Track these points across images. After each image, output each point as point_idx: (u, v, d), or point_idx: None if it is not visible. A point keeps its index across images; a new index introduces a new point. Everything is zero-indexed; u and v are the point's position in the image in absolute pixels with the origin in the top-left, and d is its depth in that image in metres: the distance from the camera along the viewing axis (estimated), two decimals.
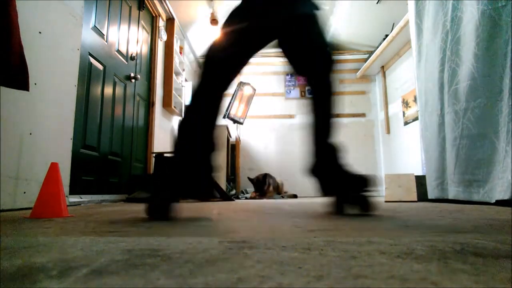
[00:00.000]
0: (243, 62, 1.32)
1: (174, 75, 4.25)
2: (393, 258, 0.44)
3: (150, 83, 3.79)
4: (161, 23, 4.03)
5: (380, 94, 5.23)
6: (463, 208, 1.64)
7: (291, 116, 5.80)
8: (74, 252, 0.49)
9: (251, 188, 4.75)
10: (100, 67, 2.64)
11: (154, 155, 3.32)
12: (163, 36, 3.99)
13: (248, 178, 4.40)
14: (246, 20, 1.26)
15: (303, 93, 5.86)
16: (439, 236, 0.66)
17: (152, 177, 1.22)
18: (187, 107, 1.29)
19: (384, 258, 0.44)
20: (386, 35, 4.15)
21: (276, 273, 0.36)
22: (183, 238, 0.63)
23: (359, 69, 5.31)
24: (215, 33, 4.82)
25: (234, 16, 1.29)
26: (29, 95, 1.57)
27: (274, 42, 1.39)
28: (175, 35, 4.28)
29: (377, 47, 4.45)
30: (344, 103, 5.46)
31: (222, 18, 4.44)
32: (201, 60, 1.26)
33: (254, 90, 5.19)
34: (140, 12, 3.50)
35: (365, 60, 5.02)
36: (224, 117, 4.73)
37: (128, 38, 3.18)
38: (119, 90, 2.99)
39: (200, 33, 4.87)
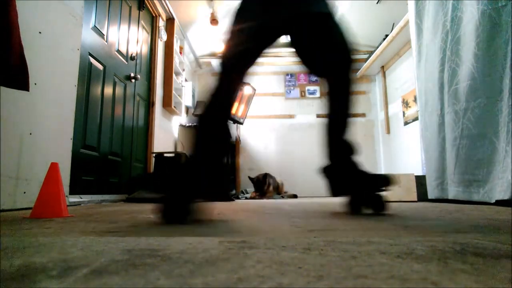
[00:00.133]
0: (250, 62, 1.31)
1: (174, 75, 4.25)
2: (393, 258, 0.44)
3: (150, 83, 3.79)
4: (161, 23, 4.03)
5: (380, 94, 5.23)
6: (463, 208, 1.64)
7: (291, 116, 5.79)
8: (74, 252, 0.49)
9: (251, 188, 4.75)
10: (100, 67, 2.64)
11: (154, 155, 3.32)
12: (163, 36, 3.99)
13: (249, 177, 4.40)
14: (245, 21, 1.26)
15: (303, 93, 5.86)
16: (439, 236, 0.66)
17: (169, 176, 1.13)
18: (206, 107, 1.26)
19: (384, 258, 0.44)
20: (386, 35, 4.15)
21: (276, 273, 0.36)
22: (183, 238, 0.63)
23: (359, 69, 5.31)
24: (215, 33, 4.83)
25: (236, 18, 1.29)
26: (29, 95, 1.57)
27: (278, 41, 1.38)
28: (175, 35, 4.28)
29: (377, 47, 4.45)
30: None
31: (222, 18, 4.44)
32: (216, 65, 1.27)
33: (254, 90, 5.19)
34: (140, 12, 3.50)
35: (365, 60, 5.02)
36: None
37: (128, 38, 3.18)
38: (119, 90, 2.99)
39: (200, 33, 4.87)
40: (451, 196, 2.12)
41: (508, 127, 1.62)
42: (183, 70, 4.86)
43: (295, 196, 4.49)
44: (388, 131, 4.94)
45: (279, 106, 5.84)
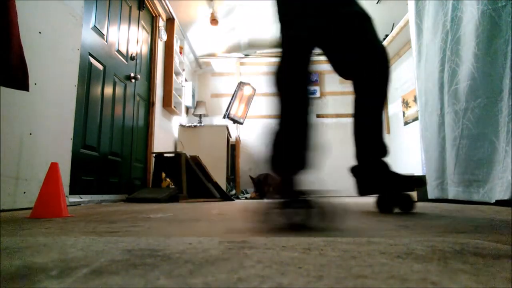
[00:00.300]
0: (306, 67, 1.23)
1: (174, 75, 4.25)
2: (393, 258, 0.44)
3: (150, 83, 3.79)
4: (161, 23, 4.03)
5: None
6: (463, 208, 1.64)
7: None
8: (74, 252, 0.49)
9: (251, 188, 4.75)
10: (100, 67, 2.64)
11: (154, 155, 3.32)
12: (163, 36, 3.99)
13: (250, 177, 4.40)
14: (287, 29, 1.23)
15: None
16: (439, 236, 0.66)
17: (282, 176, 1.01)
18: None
19: (384, 258, 0.44)
20: (386, 35, 4.15)
21: (276, 273, 0.36)
22: (183, 238, 0.63)
23: None
24: (215, 33, 4.83)
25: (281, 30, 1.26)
26: (29, 95, 1.57)
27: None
28: (175, 35, 4.28)
29: None
30: (344, 103, 5.46)
31: (222, 18, 4.44)
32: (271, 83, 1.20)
33: (254, 90, 5.19)
34: (140, 12, 3.50)
35: None
36: (224, 117, 4.74)
37: (128, 38, 3.18)
38: (119, 90, 2.99)
39: (200, 33, 4.87)
40: (451, 196, 2.12)
41: (508, 127, 1.62)
42: (183, 70, 4.86)
43: None
44: (388, 131, 4.94)
45: None
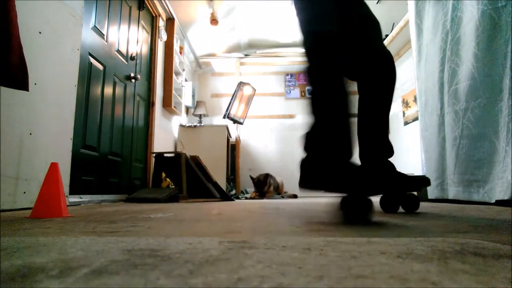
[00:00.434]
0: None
1: (174, 75, 4.25)
2: (393, 258, 0.44)
3: (150, 83, 3.79)
4: (161, 23, 4.03)
5: None
6: (463, 208, 1.64)
7: (291, 116, 5.80)
8: (74, 252, 0.49)
9: (251, 188, 4.76)
10: (100, 67, 2.64)
11: (154, 155, 3.32)
12: (163, 36, 3.99)
13: (250, 176, 4.40)
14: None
15: (303, 93, 5.87)
16: (439, 236, 0.66)
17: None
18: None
19: (384, 258, 0.44)
20: (386, 35, 4.15)
21: (276, 273, 0.36)
22: (183, 238, 0.63)
23: None
24: (215, 33, 4.83)
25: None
26: (29, 95, 1.57)
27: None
28: (175, 35, 4.28)
29: None
30: None
31: (222, 18, 4.44)
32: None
33: (254, 90, 5.19)
34: (140, 12, 3.50)
35: None
36: (224, 117, 4.74)
37: (128, 38, 3.18)
38: (119, 90, 2.99)
39: (200, 33, 4.87)
40: (451, 196, 2.12)
41: (508, 127, 1.62)
42: (183, 70, 4.86)
43: (295, 196, 4.49)
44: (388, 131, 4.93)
45: (279, 106, 5.85)
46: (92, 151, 2.52)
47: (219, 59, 5.67)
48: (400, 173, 1.34)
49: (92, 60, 2.50)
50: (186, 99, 4.99)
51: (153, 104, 3.77)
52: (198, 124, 4.91)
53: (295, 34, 5.15)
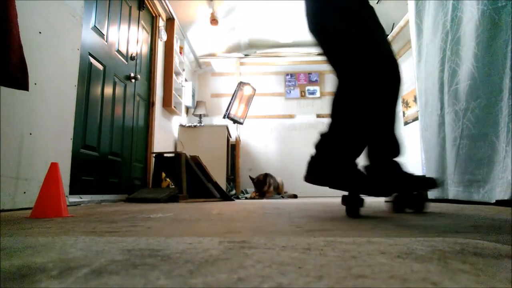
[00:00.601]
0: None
1: (174, 75, 4.25)
2: (393, 258, 0.44)
3: (150, 83, 3.79)
4: (161, 23, 4.03)
5: None
6: (463, 208, 1.64)
7: (291, 116, 5.80)
8: (74, 252, 0.49)
9: (251, 188, 4.76)
10: (100, 67, 2.64)
11: (154, 155, 3.32)
12: (163, 36, 3.99)
13: (250, 177, 4.40)
14: None
15: (303, 93, 5.86)
16: (439, 236, 0.66)
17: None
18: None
19: (384, 258, 0.44)
20: (386, 35, 4.15)
21: (276, 273, 0.36)
22: (183, 238, 0.63)
23: None
24: (215, 33, 4.83)
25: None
26: (29, 95, 1.57)
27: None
28: (175, 35, 4.28)
29: None
30: None
31: (222, 18, 4.44)
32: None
33: (254, 90, 5.19)
34: (140, 12, 3.50)
35: None
36: (224, 117, 4.74)
37: (128, 38, 3.18)
38: (119, 90, 2.99)
39: (200, 33, 4.87)
40: (451, 196, 2.12)
41: (508, 127, 1.62)
42: (183, 70, 4.86)
43: (295, 196, 4.49)
44: None
45: (279, 106, 5.84)
46: (92, 151, 2.52)
47: (219, 59, 5.67)
48: (406, 173, 1.36)
49: (92, 60, 2.50)
50: (186, 99, 4.99)
51: (153, 104, 3.77)
52: (198, 124, 4.91)
53: (295, 34, 5.15)
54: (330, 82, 5.81)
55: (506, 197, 1.62)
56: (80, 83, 2.22)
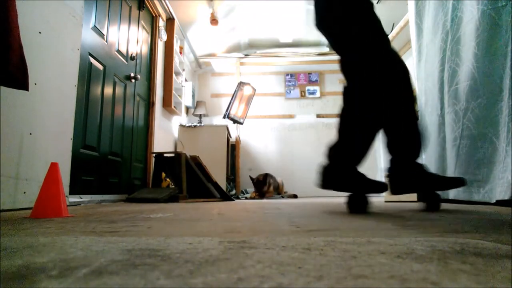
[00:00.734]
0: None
1: (174, 75, 4.25)
2: (393, 258, 0.44)
3: (150, 83, 3.79)
4: (161, 23, 4.03)
5: None
6: (463, 208, 1.64)
7: (291, 116, 5.80)
8: (74, 252, 0.49)
9: (251, 188, 4.76)
10: (100, 67, 2.64)
11: (154, 155, 3.32)
12: (163, 36, 3.99)
13: (250, 177, 4.40)
14: None
15: (303, 93, 5.86)
16: (439, 236, 0.66)
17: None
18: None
19: (384, 258, 0.44)
20: (386, 35, 4.14)
21: (276, 273, 0.36)
22: (183, 238, 0.63)
23: None
24: (215, 33, 4.83)
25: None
26: (29, 95, 1.57)
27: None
28: (175, 35, 4.28)
29: None
30: None
31: (222, 18, 4.44)
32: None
33: (254, 90, 5.19)
34: (140, 12, 3.50)
35: None
36: (224, 117, 4.74)
37: (128, 38, 3.18)
38: (119, 90, 2.99)
39: (200, 33, 4.87)
40: (451, 196, 2.12)
41: (508, 127, 1.62)
42: (183, 70, 4.86)
43: (295, 196, 4.49)
44: None
45: (279, 106, 5.84)
46: (92, 151, 2.52)
47: (219, 59, 5.67)
48: (430, 173, 1.48)
49: (92, 60, 2.50)
50: (186, 99, 4.99)
51: (153, 104, 3.77)
52: (198, 124, 4.92)
53: (295, 34, 5.15)
54: (330, 82, 5.81)
55: (506, 197, 1.62)
56: (80, 83, 2.22)
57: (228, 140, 5.02)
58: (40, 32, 1.73)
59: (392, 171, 1.50)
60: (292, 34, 5.15)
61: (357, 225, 0.89)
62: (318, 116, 5.73)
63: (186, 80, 5.07)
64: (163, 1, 3.87)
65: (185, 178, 2.94)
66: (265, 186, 4.21)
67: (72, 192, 2.06)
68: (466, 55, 1.96)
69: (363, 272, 0.36)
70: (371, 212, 1.33)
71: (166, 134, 4.30)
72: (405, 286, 0.31)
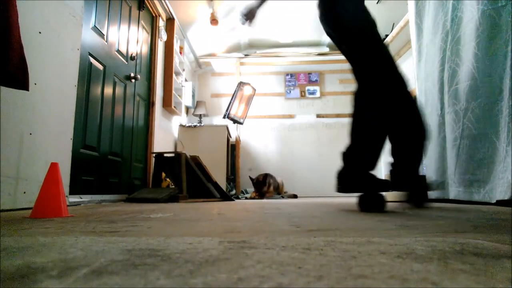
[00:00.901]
0: None
1: (174, 75, 4.25)
2: (393, 258, 0.44)
3: (150, 83, 3.79)
4: (161, 23, 4.03)
5: None
6: (463, 208, 1.64)
7: (291, 116, 5.79)
8: (74, 252, 0.49)
9: (251, 188, 4.75)
10: (100, 67, 2.64)
11: (154, 155, 3.32)
12: (163, 36, 3.99)
13: (250, 177, 4.40)
14: None
15: (303, 93, 5.86)
16: (439, 236, 0.66)
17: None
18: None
19: (384, 258, 0.44)
20: (386, 35, 4.15)
21: (276, 273, 0.36)
22: (183, 238, 0.63)
23: None
24: (215, 33, 4.83)
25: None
26: (29, 95, 1.57)
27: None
28: (175, 35, 4.28)
29: None
30: (345, 103, 5.46)
31: (222, 18, 4.44)
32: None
33: (254, 90, 5.19)
34: (140, 12, 3.50)
35: None
36: (224, 117, 4.74)
37: (128, 38, 3.18)
38: (119, 90, 2.99)
39: (200, 33, 4.87)
40: (451, 196, 2.12)
41: (508, 127, 1.62)
42: (183, 70, 4.86)
43: (295, 196, 4.49)
44: None
45: (279, 106, 5.84)
46: (92, 151, 2.52)
47: (219, 59, 5.67)
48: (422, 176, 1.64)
49: (92, 60, 2.50)
50: (186, 99, 4.99)
51: (153, 104, 3.77)
52: (198, 124, 4.91)
53: (295, 34, 5.15)
54: (330, 82, 5.81)
55: (507, 197, 1.62)
56: (80, 83, 2.22)
57: (228, 140, 5.02)
58: (40, 32, 1.73)
59: (393, 170, 1.65)
60: (292, 34, 5.15)
61: (357, 225, 0.89)
62: (318, 116, 5.73)
63: (186, 80, 5.06)
64: (163, 1, 3.87)
65: (185, 178, 2.94)
66: (265, 186, 4.21)
67: (72, 192, 2.06)
68: (466, 55, 1.96)
69: (363, 272, 0.36)
70: (371, 212, 1.32)
71: (166, 134, 4.30)
72: (405, 286, 0.31)
